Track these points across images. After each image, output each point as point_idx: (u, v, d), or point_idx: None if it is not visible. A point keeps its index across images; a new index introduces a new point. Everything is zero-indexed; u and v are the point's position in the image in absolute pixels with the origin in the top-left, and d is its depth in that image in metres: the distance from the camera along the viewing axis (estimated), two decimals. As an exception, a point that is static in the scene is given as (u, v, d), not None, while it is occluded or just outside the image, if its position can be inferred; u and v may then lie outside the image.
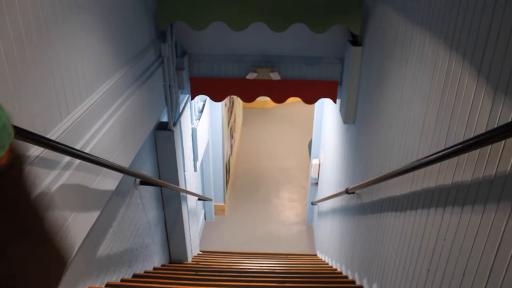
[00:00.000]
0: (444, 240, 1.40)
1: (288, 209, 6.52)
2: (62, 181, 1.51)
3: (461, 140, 1.25)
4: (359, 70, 2.98)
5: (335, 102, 3.61)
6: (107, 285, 2.40)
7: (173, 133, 3.33)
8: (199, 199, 5.11)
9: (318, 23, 2.81)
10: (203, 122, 5.00)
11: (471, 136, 1.21)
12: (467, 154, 1.24)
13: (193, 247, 4.57)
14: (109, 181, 2.01)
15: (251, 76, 3.43)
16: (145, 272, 3.22)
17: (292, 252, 5.46)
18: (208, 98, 4.78)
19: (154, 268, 3.50)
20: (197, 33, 3.26)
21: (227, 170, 6.55)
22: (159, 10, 2.79)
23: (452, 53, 1.38)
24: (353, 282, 2.96)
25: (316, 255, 5.34)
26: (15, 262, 0.54)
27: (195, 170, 4.76)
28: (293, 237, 5.93)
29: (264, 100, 9.92)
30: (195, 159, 4.67)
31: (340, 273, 3.52)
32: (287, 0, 2.78)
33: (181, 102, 3.68)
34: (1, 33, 1.18)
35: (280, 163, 7.77)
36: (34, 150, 1.35)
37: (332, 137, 4.50)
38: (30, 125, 1.34)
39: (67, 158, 1.55)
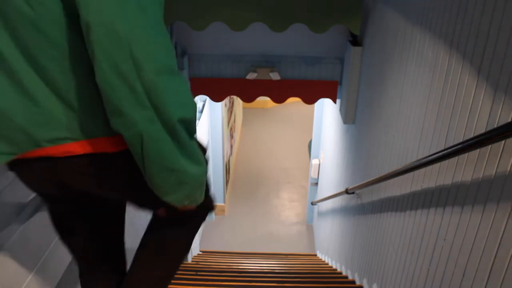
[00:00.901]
0: (444, 240, 1.40)
1: (288, 209, 6.52)
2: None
3: (461, 140, 1.25)
4: (359, 70, 2.98)
5: (335, 102, 3.61)
6: (107, 285, 2.40)
7: (173, 133, 3.32)
8: (199, 199, 5.10)
9: (318, 23, 2.81)
10: (203, 122, 5.00)
11: (471, 136, 1.21)
12: (467, 154, 1.24)
13: (193, 247, 4.57)
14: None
15: (251, 76, 3.43)
16: (145, 272, 3.21)
17: (292, 252, 5.46)
18: (208, 98, 4.78)
19: (154, 268, 3.49)
20: (197, 33, 3.26)
21: (227, 170, 6.55)
22: (159, 10, 2.79)
23: (452, 53, 1.38)
24: (353, 282, 2.96)
25: (316, 255, 5.34)
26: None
27: (195, 170, 4.74)
28: (293, 237, 5.93)
29: (264, 100, 9.91)
30: (195, 159, 4.66)
31: (340, 273, 3.52)
32: (287, 0, 2.78)
33: (181, 102, 3.68)
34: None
35: (280, 163, 7.77)
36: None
37: (332, 137, 4.50)
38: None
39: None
